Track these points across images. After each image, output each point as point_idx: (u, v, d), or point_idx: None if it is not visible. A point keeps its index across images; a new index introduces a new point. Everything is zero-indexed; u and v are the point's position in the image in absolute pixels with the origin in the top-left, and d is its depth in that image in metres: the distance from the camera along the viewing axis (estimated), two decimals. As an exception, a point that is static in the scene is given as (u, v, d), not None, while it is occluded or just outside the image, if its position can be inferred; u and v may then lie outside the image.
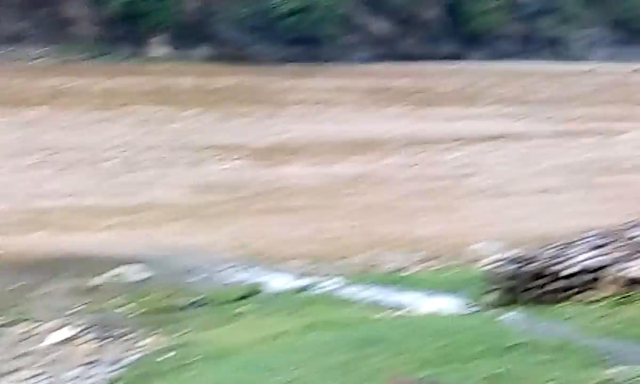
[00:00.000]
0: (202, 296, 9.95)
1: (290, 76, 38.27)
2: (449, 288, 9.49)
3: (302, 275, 10.69)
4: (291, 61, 43.82)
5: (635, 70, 49.00)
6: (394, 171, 19.16)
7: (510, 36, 54.17)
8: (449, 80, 39.83)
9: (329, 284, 10.02)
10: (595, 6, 57.70)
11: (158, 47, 44.48)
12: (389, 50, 49.33)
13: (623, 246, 9.07)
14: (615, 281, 8.43)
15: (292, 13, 45.72)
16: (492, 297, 8.74)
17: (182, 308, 9.69)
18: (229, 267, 11.38)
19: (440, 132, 24.74)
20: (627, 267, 8.52)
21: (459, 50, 51.91)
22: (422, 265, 11.44)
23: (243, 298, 9.75)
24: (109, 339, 8.77)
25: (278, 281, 10.37)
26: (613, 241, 9.17)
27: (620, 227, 9.65)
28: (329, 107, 29.48)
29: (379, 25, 50.42)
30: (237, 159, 20.20)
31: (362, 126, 25.81)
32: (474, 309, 8.54)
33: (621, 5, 57.39)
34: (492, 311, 8.12)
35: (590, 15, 57.48)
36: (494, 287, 8.81)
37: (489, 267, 9.21)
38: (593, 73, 45.34)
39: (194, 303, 9.87)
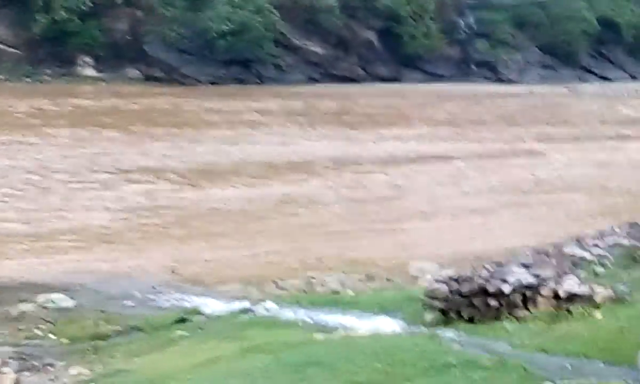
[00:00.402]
0: (133, 323, 9.78)
1: (222, 98, 38.18)
2: (388, 308, 9.56)
3: (239, 299, 10.61)
4: (226, 83, 43.72)
5: (567, 88, 50.55)
6: (326, 192, 19.22)
7: (445, 59, 55.14)
8: (383, 102, 40.30)
9: (266, 307, 9.98)
10: (527, 31, 59.26)
11: (86, 68, 43.84)
12: (325, 72, 49.67)
13: (556, 263, 9.30)
14: (549, 297, 8.61)
15: (226, 34, 45.64)
16: (431, 316, 8.84)
17: (111, 336, 9.50)
18: (161, 293, 11.23)
19: (373, 153, 24.95)
20: (561, 284, 8.71)
21: (396, 73, 52.64)
22: (361, 286, 11.49)
23: (177, 322, 9.62)
24: (30, 371, 8.51)
25: (214, 305, 10.26)
26: (547, 259, 9.39)
27: (554, 245, 9.88)
28: (258, 128, 29.44)
29: (316, 47, 50.75)
30: (161, 181, 19.95)
31: (292, 147, 25.84)
32: (414, 328, 8.62)
33: (551, 30, 59.07)
34: (431, 330, 8.21)
35: (522, 39, 59.01)
36: (432, 306, 8.91)
37: (427, 286, 9.30)
38: (527, 95, 46.45)
39: (124, 329, 9.68)
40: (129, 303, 10.85)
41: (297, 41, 50.19)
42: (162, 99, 36.97)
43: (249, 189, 19.41)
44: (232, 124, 30.46)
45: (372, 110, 37.08)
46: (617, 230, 12.85)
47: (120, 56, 44.76)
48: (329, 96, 40.99)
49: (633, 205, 15.58)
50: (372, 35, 53.28)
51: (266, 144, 26.34)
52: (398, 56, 53.16)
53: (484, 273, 9.08)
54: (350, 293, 11.10)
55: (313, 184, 20.28)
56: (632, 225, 12.52)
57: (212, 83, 44.31)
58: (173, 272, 12.45)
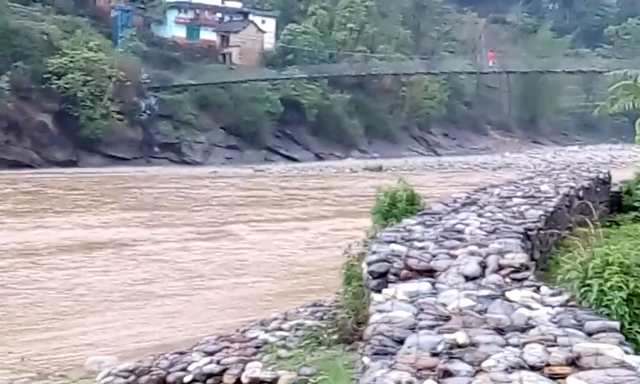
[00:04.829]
0: None
1: None
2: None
3: None
4: None
5: (253, 168, 52.86)
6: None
7: (127, 141, 55.27)
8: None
9: None
10: (211, 112, 61.26)
11: None
12: (-4, 158, 48.19)
13: (240, 348, 9.68)
14: (236, 383, 8.92)
15: None
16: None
17: None
18: None
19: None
20: (247, 368, 9.07)
21: (73, 156, 51.99)
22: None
23: None
24: None
25: None
26: (230, 345, 9.74)
27: (237, 330, 10.28)
28: None
29: (-19, 133, 49.01)
30: None
31: None
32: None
33: (236, 111, 61.63)
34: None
35: (206, 120, 60.88)
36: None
37: (105, 380, 9.20)
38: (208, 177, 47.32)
39: None
40: None
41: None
42: None
43: None
44: None
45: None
46: (301, 311, 13.55)
47: None
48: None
49: (313, 285, 16.48)
50: (47, 118, 52.51)
51: None
52: (76, 139, 52.55)
53: (164, 363, 9.20)
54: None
55: None
56: (316, 305, 13.28)
57: None
58: None
